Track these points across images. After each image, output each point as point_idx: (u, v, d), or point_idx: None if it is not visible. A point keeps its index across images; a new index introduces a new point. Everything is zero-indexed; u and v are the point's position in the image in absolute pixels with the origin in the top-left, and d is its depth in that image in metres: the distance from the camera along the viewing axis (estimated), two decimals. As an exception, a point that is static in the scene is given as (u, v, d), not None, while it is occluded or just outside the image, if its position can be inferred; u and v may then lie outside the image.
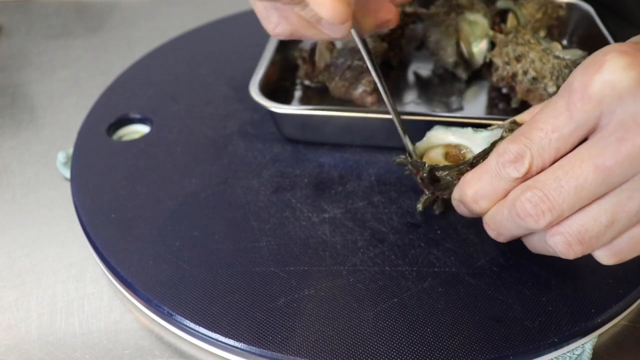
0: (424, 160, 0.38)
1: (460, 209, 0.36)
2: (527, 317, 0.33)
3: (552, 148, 0.30)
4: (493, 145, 0.35)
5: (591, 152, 0.29)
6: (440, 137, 0.39)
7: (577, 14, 0.55)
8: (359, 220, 0.40)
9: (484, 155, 0.35)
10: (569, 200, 0.29)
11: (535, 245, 0.33)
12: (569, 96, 0.30)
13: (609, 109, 0.29)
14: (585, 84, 0.29)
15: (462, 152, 0.38)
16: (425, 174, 0.36)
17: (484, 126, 0.38)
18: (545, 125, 0.30)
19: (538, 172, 0.31)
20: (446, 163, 0.37)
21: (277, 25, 0.37)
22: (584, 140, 0.30)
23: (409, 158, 0.38)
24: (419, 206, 0.38)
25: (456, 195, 0.35)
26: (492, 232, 0.34)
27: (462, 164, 0.35)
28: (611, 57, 0.29)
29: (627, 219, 0.29)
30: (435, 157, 0.38)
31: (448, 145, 0.39)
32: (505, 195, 0.32)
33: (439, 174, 0.36)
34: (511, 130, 0.34)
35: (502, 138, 0.35)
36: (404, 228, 0.39)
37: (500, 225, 0.33)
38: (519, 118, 0.36)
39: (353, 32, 0.37)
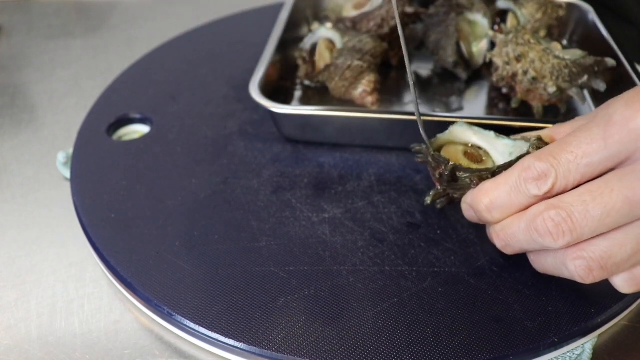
0: (442, 153, 0.38)
1: (468, 213, 0.35)
2: (527, 317, 0.33)
3: (579, 173, 0.30)
4: (518, 159, 0.35)
5: (623, 183, 0.29)
6: (462, 135, 0.39)
7: (577, 14, 0.55)
8: (359, 220, 0.40)
9: (507, 166, 0.34)
10: (592, 225, 0.29)
11: (547, 266, 0.33)
12: (607, 126, 0.30)
13: None
14: (627, 118, 0.29)
15: (481, 154, 0.38)
16: (446, 172, 0.36)
17: (506, 132, 0.38)
18: (577, 149, 0.30)
19: (558, 194, 0.31)
20: (466, 160, 0.37)
21: None
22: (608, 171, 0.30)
23: (430, 150, 0.37)
24: (428, 199, 0.38)
25: (468, 199, 0.35)
26: (499, 243, 0.34)
27: (485, 171, 0.35)
28: None
29: None
30: (454, 152, 0.38)
31: (468, 145, 0.39)
32: (520, 210, 0.32)
33: (459, 174, 0.36)
34: (538, 148, 0.34)
35: (528, 153, 0.35)
36: (404, 228, 0.39)
37: (512, 238, 0.33)
38: (544, 135, 0.36)
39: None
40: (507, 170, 0.33)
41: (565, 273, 0.32)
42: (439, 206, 0.38)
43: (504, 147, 0.37)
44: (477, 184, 0.35)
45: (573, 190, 0.30)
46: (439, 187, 0.37)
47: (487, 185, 0.34)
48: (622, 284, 0.31)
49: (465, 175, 0.35)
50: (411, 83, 0.38)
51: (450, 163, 0.36)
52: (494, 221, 0.34)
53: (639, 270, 0.31)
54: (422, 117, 0.42)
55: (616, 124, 0.29)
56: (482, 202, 0.33)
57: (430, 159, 0.37)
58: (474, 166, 0.37)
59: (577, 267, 0.30)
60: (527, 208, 0.32)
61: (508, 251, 0.34)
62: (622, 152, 0.29)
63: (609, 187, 0.29)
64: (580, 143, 0.30)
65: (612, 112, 0.30)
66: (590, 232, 0.30)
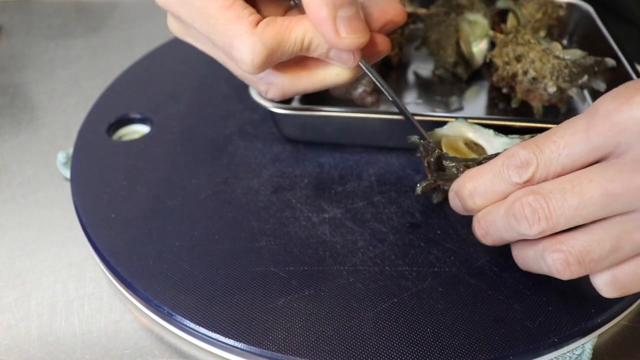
0: (443, 146, 0.38)
1: (454, 201, 0.35)
2: (527, 317, 0.33)
3: (559, 164, 0.30)
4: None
5: (603, 175, 0.29)
6: (460, 131, 0.39)
7: (577, 14, 0.55)
8: (359, 220, 0.40)
9: (493, 157, 0.35)
10: (567, 215, 0.29)
11: (528, 260, 0.33)
12: (591, 119, 0.30)
13: (628, 141, 0.29)
14: (610, 111, 0.29)
15: (478, 150, 0.38)
16: (432, 159, 0.36)
17: (506, 132, 0.38)
18: (559, 139, 0.30)
19: (539, 182, 0.31)
20: (466, 148, 0.38)
21: (267, 91, 0.37)
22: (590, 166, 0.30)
23: (421, 140, 0.38)
24: (418, 189, 0.38)
25: (454, 186, 0.35)
26: (480, 231, 0.34)
27: (471, 160, 0.35)
28: None
29: (631, 248, 0.29)
30: (455, 142, 0.38)
31: (468, 140, 0.39)
32: (502, 198, 0.32)
33: (446, 163, 0.36)
34: None
35: None
36: (404, 228, 0.39)
37: (491, 224, 0.33)
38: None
39: (362, 63, 0.35)
40: (494, 158, 0.33)
41: (543, 267, 0.32)
42: (435, 201, 0.38)
43: (500, 144, 0.37)
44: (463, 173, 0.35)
45: (554, 179, 0.30)
46: (430, 178, 0.37)
47: (472, 172, 0.34)
48: (605, 287, 0.31)
49: (451, 165, 0.36)
50: (391, 99, 0.38)
51: (437, 151, 0.36)
52: (477, 208, 0.34)
53: (621, 273, 0.30)
54: (422, 117, 0.42)
55: (600, 117, 0.29)
56: (465, 187, 0.33)
57: (421, 147, 0.37)
58: (467, 156, 0.37)
59: (554, 261, 0.30)
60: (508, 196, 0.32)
61: (487, 240, 0.34)
62: (604, 146, 0.29)
63: (588, 178, 0.29)
64: (564, 134, 0.30)
65: (598, 106, 0.30)
66: (566, 221, 0.29)
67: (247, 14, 0.32)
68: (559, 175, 0.31)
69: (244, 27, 0.32)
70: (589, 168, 0.30)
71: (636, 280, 0.30)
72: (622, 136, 0.29)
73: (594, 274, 0.31)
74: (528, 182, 0.31)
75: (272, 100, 0.41)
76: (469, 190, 0.33)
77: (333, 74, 0.35)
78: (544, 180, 0.31)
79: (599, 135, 0.29)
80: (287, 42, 0.32)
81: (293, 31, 0.32)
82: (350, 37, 0.32)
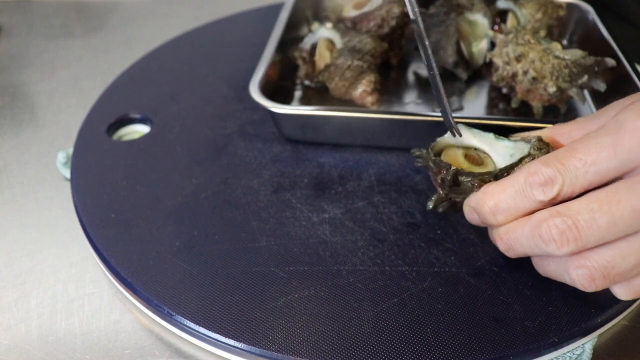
0: (442, 156, 0.38)
1: (471, 215, 0.35)
2: (527, 317, 0.33)
3: (586, 180, 0.30)
4: (520, 161, 0.35)
5: (631, 193, 0.29)
6: (461, 138, 0.39)
7: (577, 14, 0.55)
8: (359, 220, 0.40)
9: (509, 169, 0.34)
10: (597, 234, 0.29)
11: (550, 270, 0.33)
12: (617, 134, 0.30)
13: None
14: (638, 126, 0.29)
15: (481, 156, 0.38)
16: (449, 177, 0.36)
17: (506, 132, 0.38)
18: (586, 156, 0.30)
19: (564, 200, 0.31)
20: (466, 163, 0.37)
21: None
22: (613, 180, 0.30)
23: (431, 154, 0.37)
24: (430, 204, 0.37)
25: (472, 203, 0.35)
26: (502, 246, 0.34)
27: (487, 174, 0.35)
28: None
29: None
30: (454, 155, 0.38)
31: (468, 147, 0.39)
32: (525, 214, 0.32)
33: (461, 178, 0.36)
34: (540, 149, 0.35)
35: (529, 155, 0.35)
36: (404, 228, 0.39)
37: (515, 242, 0.33)
38: (543, 135, 0.36)
39: None
40: (513, 173, 0.33)
41: (567, 280, 0.32)
42: (441, 210, 0.38)
43: (504, 148, 0.37)
44: (479, 187, 0.35)
45: (580, 198, 0.30)
46: (441, 192, 0.37)
47: (492, 187, 0.33)
48: (620, 291, 0.31)
49: (467, 180, 0.35)
50: (438, 80, 0.38)
51: (452, 167, 0.35)
52: (498, 224, 0.33)
53: (638, 280, 0.31)
54: (422, 118, 0.42)
55: (627, 133, 0.29)
56: (486, 204, 0.33)
57: (431, 163, 0.37)
58: (475, 169, 0.37)
59: (579, 276, 0.30)
60: (531, 213, 0.32)
61: (511, 254, 0.34)
62: (631, 161, 0.29)
63: (617, 197, 0.29)
64: (589, 150, 0.30)
65: (623, 120, 0.30)
66: (596, 240, 0.29)
67: None
68: (584, 191, 0.30)
69: None
70: (615, 185, 0.30)
71: None
72: None
73: (615, 286, 0.31)
74: (553, 200, 0.31)
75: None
76: (490, 208, 0.33)
77: None
78: (569, 197, 0.31)
79: (627, 151, 0.29)
80: None
81: None
82: None
